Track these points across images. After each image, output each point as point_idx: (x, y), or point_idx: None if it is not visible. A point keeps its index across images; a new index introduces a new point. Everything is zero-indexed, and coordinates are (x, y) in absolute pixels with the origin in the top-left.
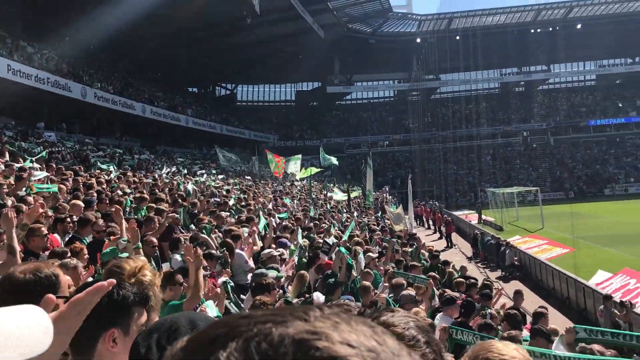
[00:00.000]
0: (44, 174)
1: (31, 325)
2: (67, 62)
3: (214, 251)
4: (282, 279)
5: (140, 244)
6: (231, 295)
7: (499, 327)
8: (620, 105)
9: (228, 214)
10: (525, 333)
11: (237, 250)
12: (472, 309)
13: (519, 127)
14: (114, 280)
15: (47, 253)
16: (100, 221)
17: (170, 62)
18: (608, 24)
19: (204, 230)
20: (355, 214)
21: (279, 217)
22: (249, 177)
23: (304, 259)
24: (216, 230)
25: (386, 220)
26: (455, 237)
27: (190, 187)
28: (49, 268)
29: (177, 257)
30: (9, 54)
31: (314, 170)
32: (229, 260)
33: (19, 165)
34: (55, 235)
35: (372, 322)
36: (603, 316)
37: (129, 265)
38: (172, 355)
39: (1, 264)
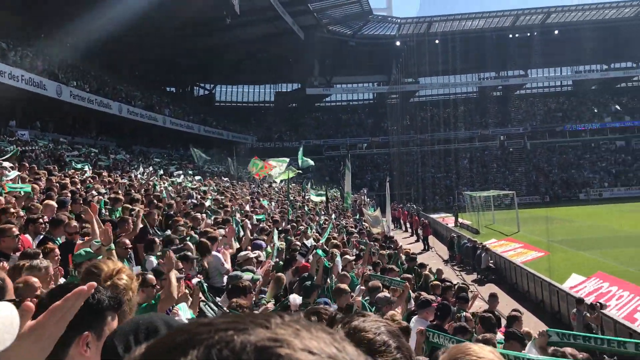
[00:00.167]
0: (16, 173)
1: None
2: (42, 60)
3: (189, 253)
4: (259, 282)
5: (113, 246)
6: (208, 295)
7: (474, 330)
8: (595, 110)
9: (204, 215)
10: (500, 336)
11: (214, 252)
12: (447, 312)
13: (496, 131)
14: (94, 284)
15: (18, 254)
16: (74, 222)
17: (148, 61)
18: (584, 30)
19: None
20: (333, 216)
21: (256, 219)
22: (226, 179)
23: (280, 261)
24: (192, 231)
25: (364, 223)
26: (432, 240)
27: (164, 191)
28: None
29: (152, 258)
30: None
31: (292, 173)
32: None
33: None
34: (27, 235)
35: (331, 329)
36: (576, 319)
37: (107, 267)
38: None
39: None
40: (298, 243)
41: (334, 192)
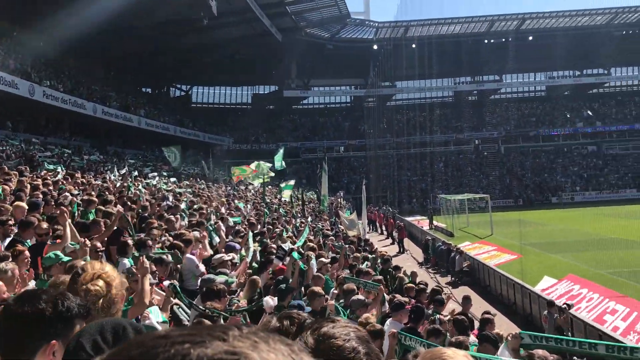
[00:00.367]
0: None
1: None
2: (14, 59)
3: (164, 257)
4: (234, 284)
5: (77, 246)
6: (182, 298)
7: (447, 333)
8: (568, 116)
9: (179, 217)
10: (473, 338)
11: (188, 255)
12: (421, 314)
13: (471, 135)
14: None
15: None
16: (44, 224)
17: (123, 62)
18: (558, 37)
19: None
20: (310, 219)
21: (232, 221)
22: (202, 181)
23: (255, 264)
24: (166, 234)
25: (340, 226)
26: (407, 242)
27: (140, 193)
28: None
29: (126, 261)
30: None
31: (267, 178)
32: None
33: None
34: None
35: (290, 340)
36: (547, 322)
37: (90, 270)
38: None
39: None
40: (274, 246)
41: (311, 194)
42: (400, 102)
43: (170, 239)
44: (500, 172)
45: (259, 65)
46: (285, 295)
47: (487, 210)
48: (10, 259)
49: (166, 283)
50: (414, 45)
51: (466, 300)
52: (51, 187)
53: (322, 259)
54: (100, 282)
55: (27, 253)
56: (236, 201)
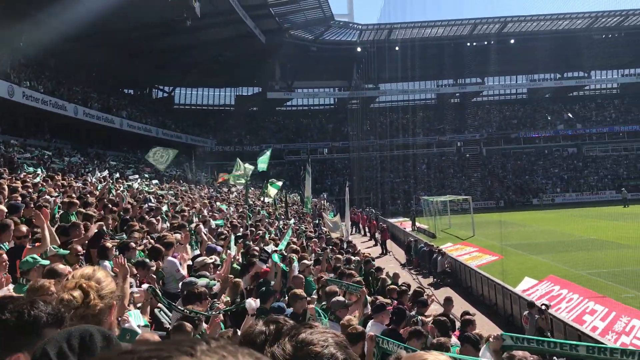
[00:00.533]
0: None
1: None
2: None
3: (147, 260)
4: (215, 287)
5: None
6: (162, 300)
7: (428, 334)
8: (549, 118)
9: (160, 219)
10: (454, 340)
11: (169, 258)
12: (402, 316)
13: (454, 137)
14: None
15: None
16: (23, 227)
17: (105, 63)
18: (539, 40)
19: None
20: (292, 220)
21: (215, 224)
22: (184, 183)
23: (237, 266)
24: (147, 236)
25: (323, 228)
26: (390, 244)
27: (122, 195)
28: None
29: (106, 263)
30: None
31: (248, 179)
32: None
33: None
34: None
35: (258, 354)
36: (528, 322)
37: (78, 277)
38: None
39: None
40: (257, 248)
41: (294, 196)
42: (384, 104)
43: (152, 241)
44: (482, 173)
45: (243, 66)
46: (267, 297)
47: (469, 212)
48: None
49: (145, 286)
50: (397, 48)
51: (448, 302)
52: (31, 190)
53: (305, 261)
54: (76, 293)
55: (4, 256)
56: (218, 203)
